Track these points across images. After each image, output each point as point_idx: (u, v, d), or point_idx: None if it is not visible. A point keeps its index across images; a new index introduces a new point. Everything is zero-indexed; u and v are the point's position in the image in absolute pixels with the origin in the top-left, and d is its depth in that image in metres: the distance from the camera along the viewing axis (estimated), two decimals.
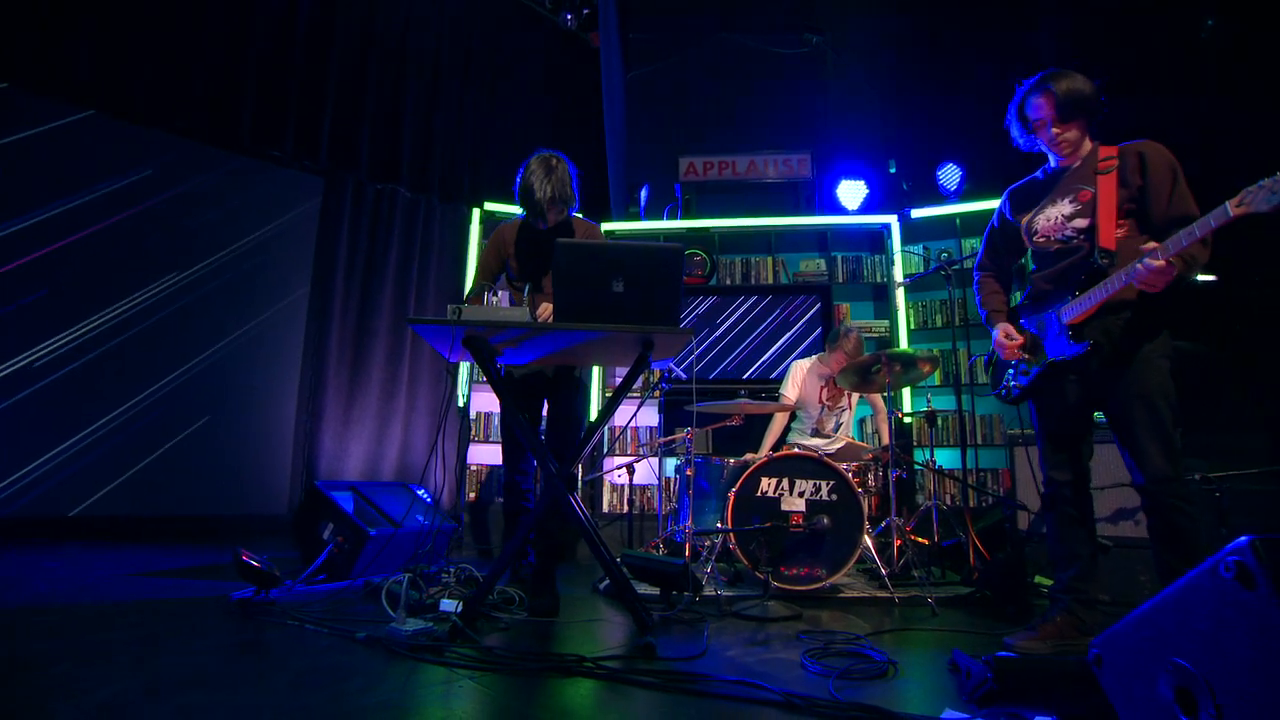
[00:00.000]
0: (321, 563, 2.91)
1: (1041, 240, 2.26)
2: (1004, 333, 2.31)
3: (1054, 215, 2.22)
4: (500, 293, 2.33)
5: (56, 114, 4.29)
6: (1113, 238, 2.09)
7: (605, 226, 5.42)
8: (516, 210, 5.30)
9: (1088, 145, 2.21)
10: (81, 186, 4.34)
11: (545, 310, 2.45)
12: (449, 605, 2.24)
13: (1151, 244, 1.93)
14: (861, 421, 4.73)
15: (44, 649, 1.84)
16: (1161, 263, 1.87)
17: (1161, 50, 4.82)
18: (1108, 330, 2.08)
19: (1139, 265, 1.91)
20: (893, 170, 6.10)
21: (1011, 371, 2.34)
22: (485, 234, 5.40)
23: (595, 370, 5.10)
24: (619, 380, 2.40)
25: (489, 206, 5.38)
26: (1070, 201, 2.19)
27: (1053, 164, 2.29)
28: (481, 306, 2.21)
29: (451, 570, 2.66)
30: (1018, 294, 2.61)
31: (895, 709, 1.48)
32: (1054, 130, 2.18)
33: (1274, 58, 4.38)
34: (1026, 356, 2.27)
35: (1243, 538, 0.86)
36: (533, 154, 2.68)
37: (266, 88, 5.13)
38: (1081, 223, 2.16)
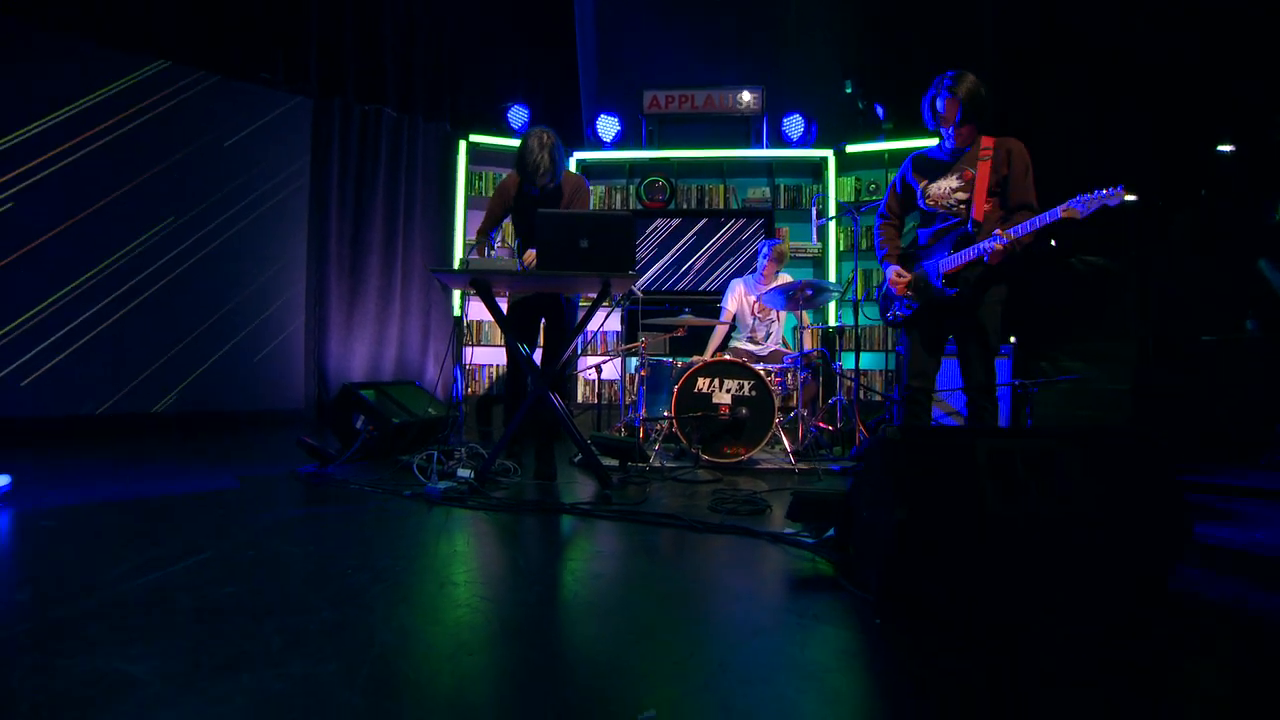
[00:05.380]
0: (358, 447, 3.76)
1: (932, 204, 2.90)
2: (896, 273, 2.97)
3: (944, 187, 2.87)
4: (497, 246, 3.05)
5: (52, 39, 4.66)
6: (982, 212, 2.80)
7: (577, 155, 6.01)
8: (498, 141, 5.87)
9: (975, 136, 2.86)
10: (102, 113, 4.82)
11: (530, 256, 3.19)
12: (465, 473, 3.11)
13: (999, 229, 2.66)
14: (795, 329, 5.60)
15: (164, 518, 2.69)
16: (1000, 246, 2.63)
17: None
18: (969, 280, 2.81)
19: (988, 243, 2.65)
20: (849, 90, 6.63)
21: (897, 303, 3.02)
22: (471, 161, 5.98)
23: None
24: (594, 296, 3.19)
25: (474, 139, 5.93)
26: (958, 178, 2.84)
27: (945, 142, 2.91)
28: (483, 259, 2.95)
29: (462, 449, 3.54)
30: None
31: (755, 527, 2.40)
32: (960, 123, 2.80)
33: None
34: (910, 293, 2.95)
35: (893, 427, 1.70)
36: (533, 127, 3.26)
37: (254, 10, 5.51)
38: (963, 196, 2.83)
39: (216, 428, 5.22)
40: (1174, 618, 1.64)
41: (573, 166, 6.08)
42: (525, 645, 1.40)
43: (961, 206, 2.85)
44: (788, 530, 2.36)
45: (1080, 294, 6.11)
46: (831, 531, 2.19)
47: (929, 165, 2.96)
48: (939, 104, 2.82)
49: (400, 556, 2.00)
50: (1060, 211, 2.57)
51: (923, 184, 2.95)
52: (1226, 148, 5.53)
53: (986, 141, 2.82)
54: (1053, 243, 6.06)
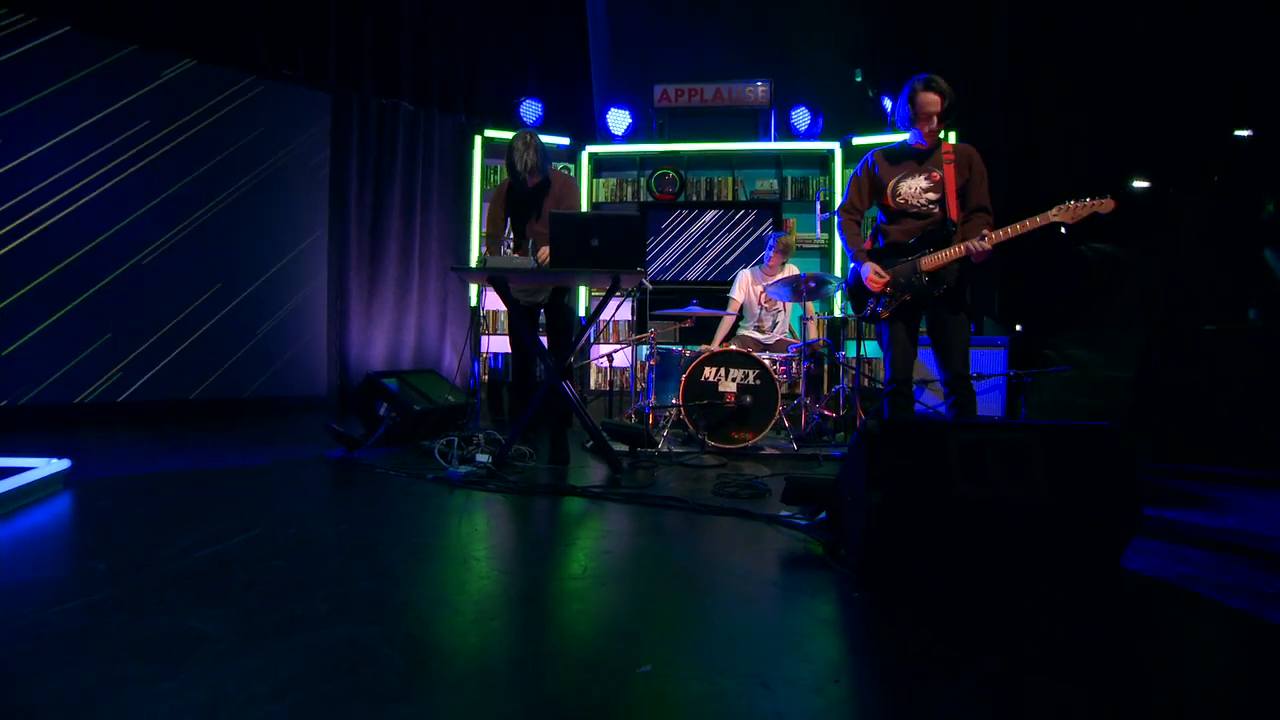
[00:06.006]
0: (382, 432, 3.97)
1: (901, 202, 3.00)
2: (874, 270, 3.03)
3: (914, 186, 2.98)
4: (510, 244, 3.23)
5: (101, 46, 4.90)
6: (956, 213, 2.95)
7: (589, 148, 6.15)
8: (512, 136, 6.02)
9: (939, 138, 2.99)
10: (132, 114, 5.03)
11: (544, 253, 3.37)
12: (483, 458, 3.30)
13: (986, 230, 2.81)
14: (801, 319, 5.74)
15: (210, 500, 2.91)
16: (988, 246, 2.79)
17: None
18: (948, 277, 2.94)
19: (976, 244, 2.80)
20: (858, 80, 6.69)
21: (872, 300, 3.10)
22: (486, 155, 6.14)
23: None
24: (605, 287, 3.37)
25: (489, 134, 6.09)
26: (926, 178, 2.96)
27: (911, 141, 3.00)
28: (499, 257, 3.12)
29: (480, 435, 3.73)
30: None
31: (754, 510, 2.58)
32: (935, 124, 2.91)
33: None
34: (890, 290, 3.05)
35: (867, 418, 1.86)
36: (517, 131, 3.49)
37: (275, 9, 5.67)
38: (934, 196, 2.95)
39: (247, 413, 5.47)
40: (1129, 598, 1.80)
41: (585, 159, 6.22)
42: (540, 612, 1.59)
43: (933, 207, 2.97)
44: (784, 514, 2.54)
45: (1088, 282, 6.18)
46: (823, 515, 2.36)
47: (896, 163, 3.04)
48: (920, 101, 2.87)
49: (426, 535, 2.20)
50: (1053, 215, 2.70)
51: (891, 181, 3.02)
52: (1241, 133, 5.56)
53: (946, 146, 2.95)
54: (1062, 230, 6.13)
